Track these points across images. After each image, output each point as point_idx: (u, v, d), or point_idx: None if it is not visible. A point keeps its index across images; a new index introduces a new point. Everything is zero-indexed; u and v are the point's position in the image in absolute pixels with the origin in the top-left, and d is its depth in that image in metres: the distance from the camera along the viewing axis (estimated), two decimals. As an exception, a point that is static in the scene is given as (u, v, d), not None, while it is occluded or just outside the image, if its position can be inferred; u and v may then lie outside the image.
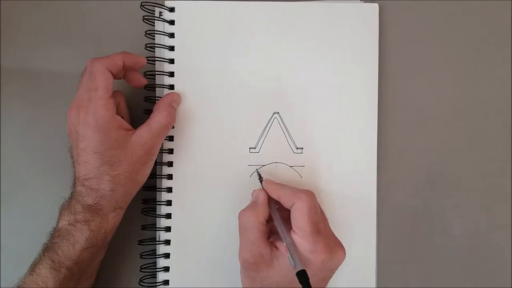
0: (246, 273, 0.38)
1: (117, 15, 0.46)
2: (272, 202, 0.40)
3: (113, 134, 0.38)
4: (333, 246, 0.36)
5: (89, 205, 0.38)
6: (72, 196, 0.39)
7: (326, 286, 0.38)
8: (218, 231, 0.43)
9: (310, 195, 0.37)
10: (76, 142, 0.38)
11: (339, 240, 0.38)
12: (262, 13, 0.44)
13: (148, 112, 0.41)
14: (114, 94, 0.39)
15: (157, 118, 0.40)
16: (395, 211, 0.45)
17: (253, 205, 0.39)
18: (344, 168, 0.44)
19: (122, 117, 0.40)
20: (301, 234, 0.36)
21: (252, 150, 0.44)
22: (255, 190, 0.41)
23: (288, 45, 0.44)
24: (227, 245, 0.43)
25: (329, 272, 0.37)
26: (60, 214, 0.39)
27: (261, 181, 0.41)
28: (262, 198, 0.39)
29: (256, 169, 0.43)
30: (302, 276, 0.33)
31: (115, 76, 0.39)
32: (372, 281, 0.44)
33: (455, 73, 0.46)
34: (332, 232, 0.38)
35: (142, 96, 0.44)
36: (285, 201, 0.38)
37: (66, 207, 0.39)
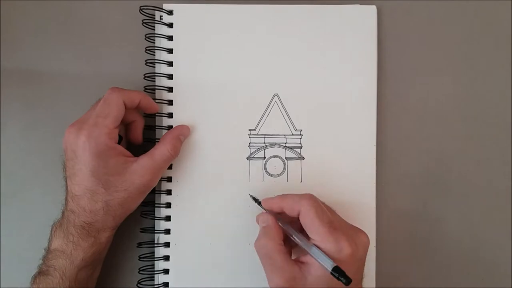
0: None
1: (117, 16, 0.46)
2: (280, 220, 0.38)
3: (112, 160, 0.37)
4: (354, 235, 0.36)
5: (81, 225, 0.37)
6: (63, 216, 0.39)
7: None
8: (217, 232, 0.43)
9: (312, 198, 0.37)
10: (73, 162, 0.37)
11: (356, 227, 0.37)
12: (260, 16, 0.44)
13: (147, 140, 0.42)
14: (135, 114, 0.41)
15: (161, 149, 0.40)
16: (395, 210, 0.45)
17: (264, 230, 0.38)
18: (344, 168, 0.44)
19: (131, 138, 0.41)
20: (319, 238, 0.35)
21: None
22: (259, 215, 0.40)
23: (286, 48, 0.44)
24: (227, 247, 0.43)
25: (360, 261, 0.36)
26: (52, 234, 0.39)
27: (259, 204, 0.40)
28: (271, 220, 0.38)
29: (249, 194, 0.43)
30: (338, 271, 0.32)
31: (126, 109, 0.39)
32: (372, 281, 0.44)
33: (454, 74, 0.46)
34: (346, 222, 0.38)
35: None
36: (289, 211, 0.37)
37: (58, 226, 0.39)
